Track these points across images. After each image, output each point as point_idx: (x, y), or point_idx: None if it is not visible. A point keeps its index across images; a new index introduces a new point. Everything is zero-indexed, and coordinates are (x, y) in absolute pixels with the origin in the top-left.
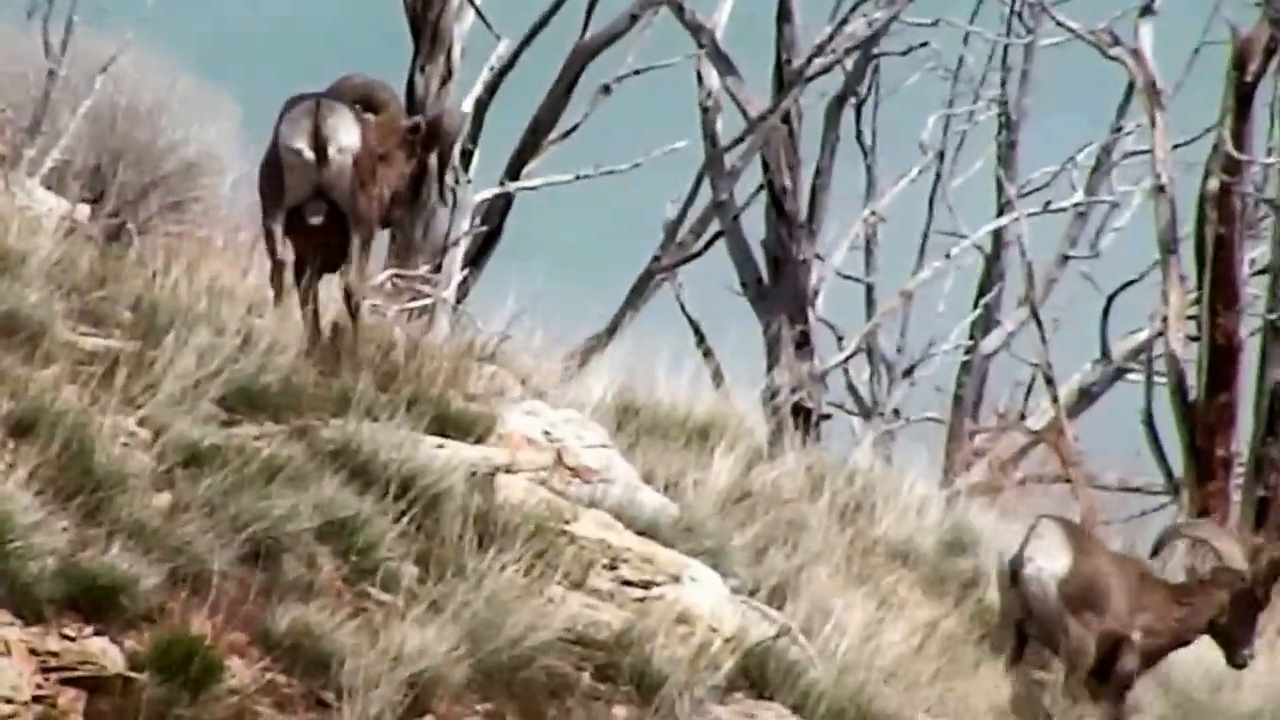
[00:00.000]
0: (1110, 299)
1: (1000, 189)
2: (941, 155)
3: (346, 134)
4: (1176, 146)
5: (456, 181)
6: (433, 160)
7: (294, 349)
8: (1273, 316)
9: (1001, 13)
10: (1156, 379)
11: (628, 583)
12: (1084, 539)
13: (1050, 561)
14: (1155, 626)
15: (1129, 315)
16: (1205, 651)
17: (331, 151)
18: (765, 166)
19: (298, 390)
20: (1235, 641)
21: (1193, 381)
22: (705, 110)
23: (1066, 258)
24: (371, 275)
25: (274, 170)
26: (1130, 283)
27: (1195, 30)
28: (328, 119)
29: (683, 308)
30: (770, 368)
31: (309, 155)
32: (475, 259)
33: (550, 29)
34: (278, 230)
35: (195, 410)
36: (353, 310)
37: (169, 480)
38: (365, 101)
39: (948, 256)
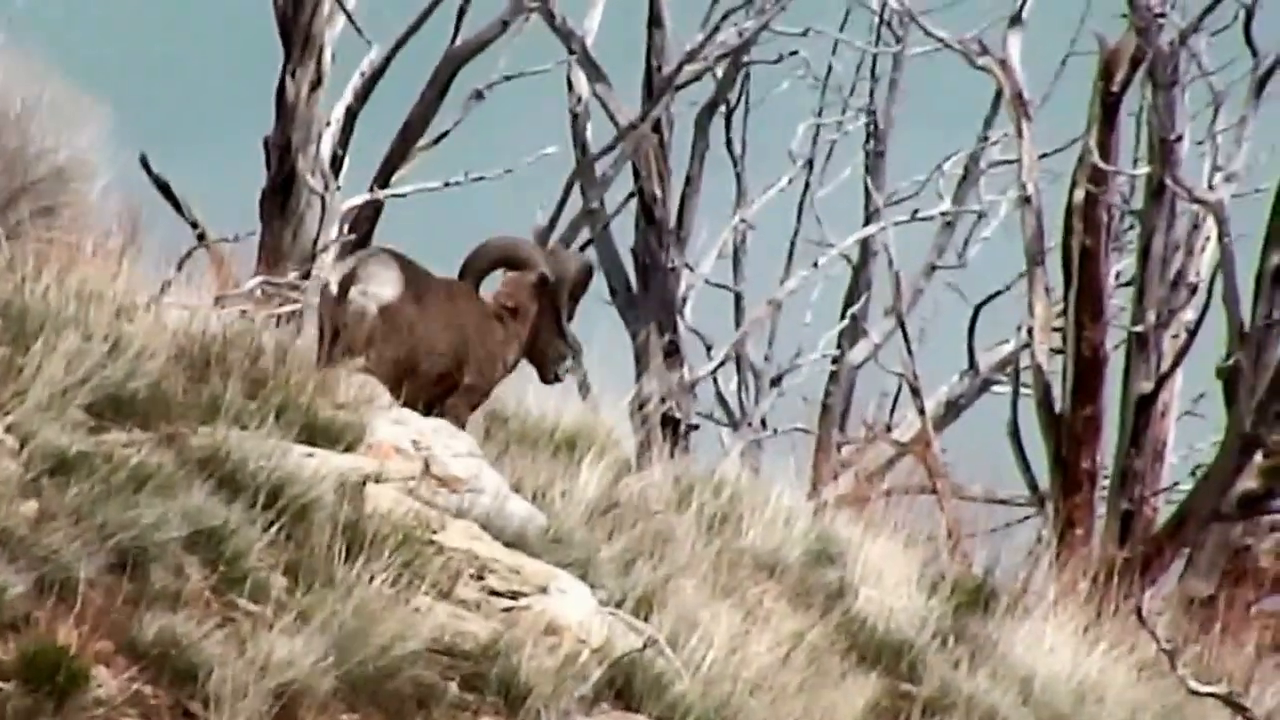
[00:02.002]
0: (977, 310)
1: (868, 198)
2: (810, 164)
3: (379, 285)
4: (1043, 157)
5: (327, 188)
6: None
7: (163, 355)
8: (1138, 329)
9: (871, 22)
10: (1022, 391)
11: (495, 593)
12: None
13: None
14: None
15: (996, 326)
16: (1070, 664)
17: (354, 292)
18: (635, 174)
19: (166, 397)
20: (546, 353)
21: (1058, 393)
22: (575, 117)
23: (933, 267)
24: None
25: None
26: (997, 294)
27: (1063, 41)
28: (368, 264)
29: None
30: (639, 377)
31: (332, 290)
32: None
33: (421, 35)
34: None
35: (63, 417)
36: None
37: (36, 488)
38: (507, 261)
39: (815, 265)
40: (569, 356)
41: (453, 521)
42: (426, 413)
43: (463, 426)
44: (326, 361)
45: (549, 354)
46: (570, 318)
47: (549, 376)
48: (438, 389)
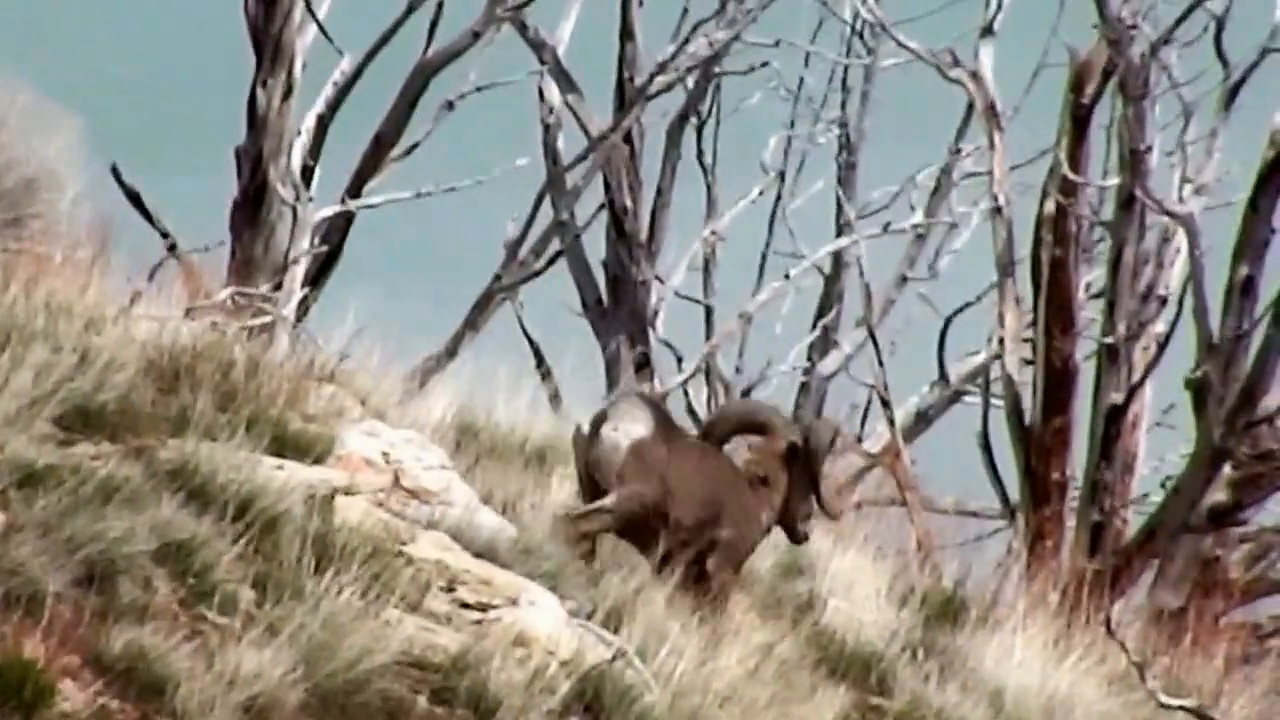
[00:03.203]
0: (948, 321)
1: (839, 210)
2: (782, 176)
3: (631, 423)
4: (1014, 168)
5: (298, 199)
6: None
7: (132, 367)
8: (1108, 340)
9: (842, 33)
10: (993, 402)
11: (465, 605)
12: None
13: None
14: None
15: (966, 338)
16: (1040, 677)
17: (605, 429)
18: (606, 185)
19: (135, 409)
20: (795, 517)
21: (1029, 404)
22: (547, 128)
23: (905, 279)
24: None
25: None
26: (967, 305)
27: (1034, 52)
28: (619, 404)
29: (523, 328)
30: (609, 389)
31: (584, 429)
32: (316, 278)
33: (393, 45)
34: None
35: (31, 429)
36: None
37: (3, 500)
38: (748, 426)
39: (786, 277)
40: (815, 515)
41: (423, 533)
42: (696, 580)
43: (728, 590)
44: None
45: (798, 515)
46: (821, 482)
47: (799, 537)
48: (693, 542)
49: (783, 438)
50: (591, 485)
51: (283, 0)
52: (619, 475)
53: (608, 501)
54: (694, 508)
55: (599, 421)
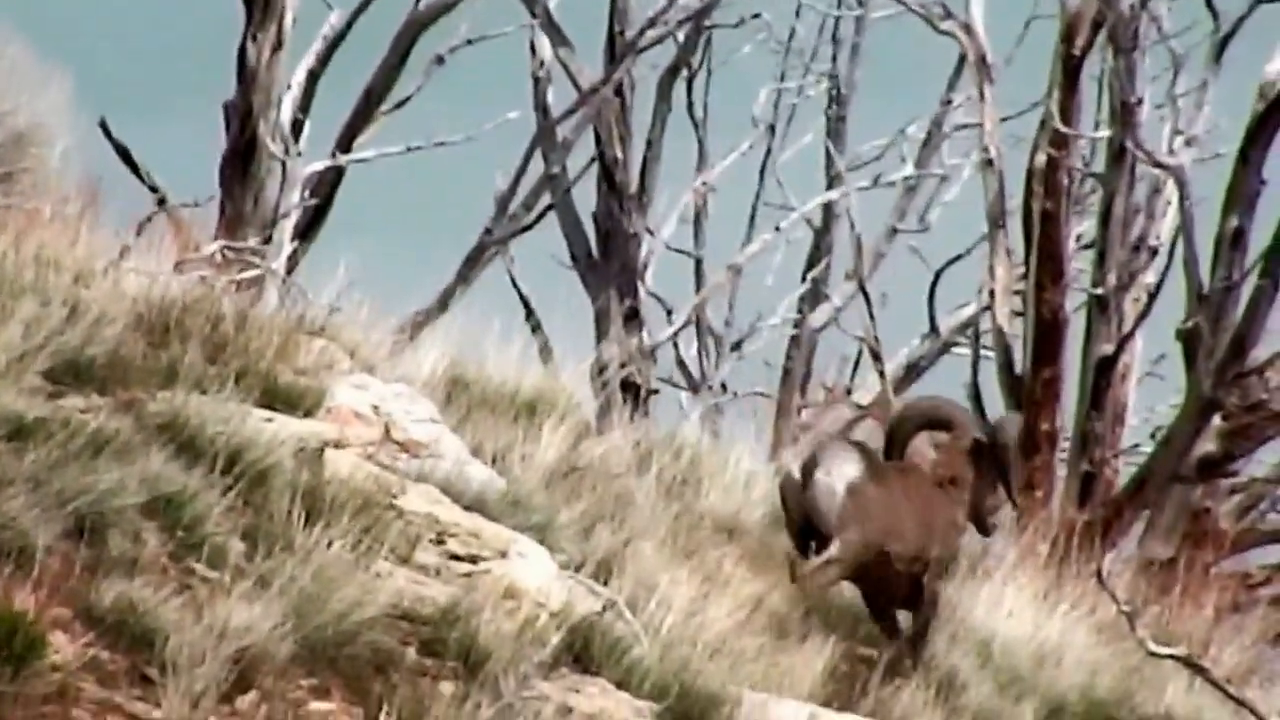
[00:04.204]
0: (938, 273)
1: (829, 162)
2: (772, 128)
3: (841, 465)
4: (1005, 120)
5: (288, 153)
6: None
7: (122, 321)
8: (1098, 292)
9: None
10: (983, 353)
11: (455, 557)
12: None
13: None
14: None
15: (956, 290)
16: (1030, 627)
17: (819, 475)
18: (597, 139)
19: (125, 363)
20: (984, 511)
21: (1019, 356)
22: (537, 81)
23: (895, 231)
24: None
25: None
26: (958, 257)
27: (1025, 4)
28: (826, 448)
29: (513, 281)
30: (599, 342)
31: (795, 476)
32: (305, 231)
33: None
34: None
35: (20, 383)
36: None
37: None
38: (932, 421)
39: (777, 230)
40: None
41: (412, 486)
42: (906, 605)
43: (937, 599)
44: (800, 552)
45: (986, 509)
46: (1014, 479)
47: (988, 530)
48: (907, 573)
49: (968, 434)
50: (806, 530)
51: None
52: (839, 520)
53: (834, 552)
54: (910, 537)
55: (810, 467)
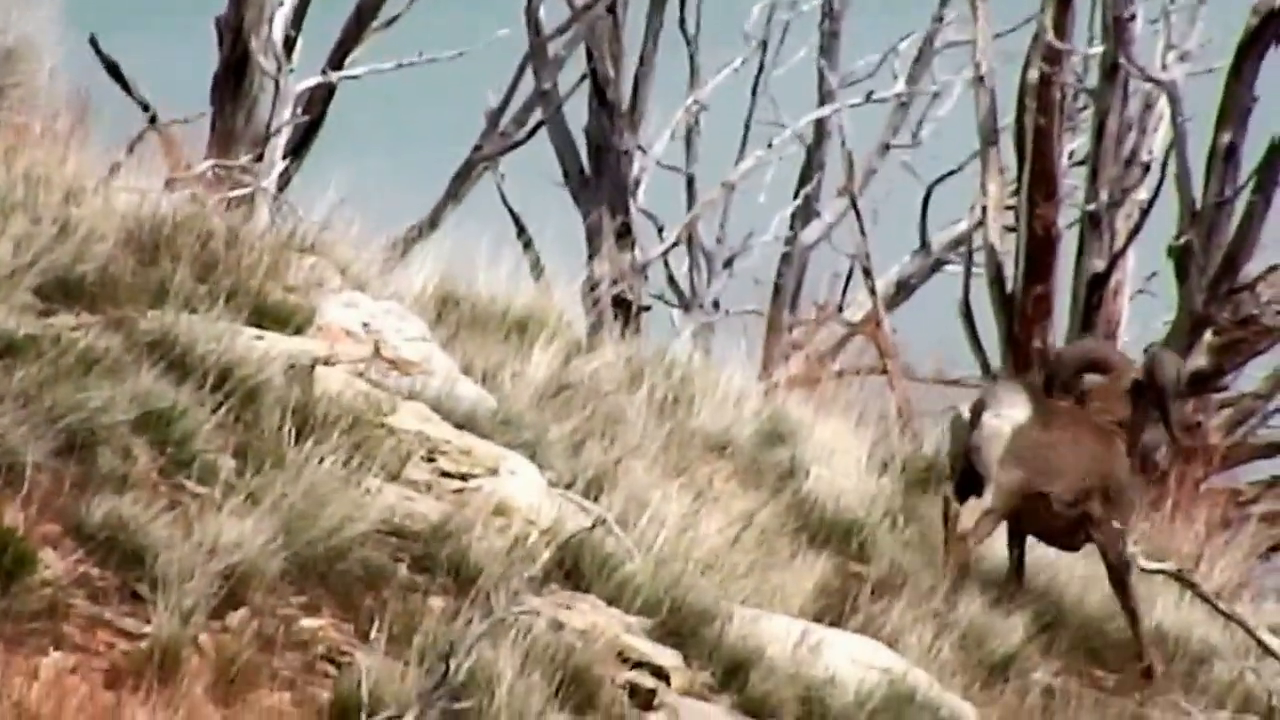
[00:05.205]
0: (929, 190)
1: (822, 79)
2: (764, 45)
3: (1009, 407)
4: (998, 36)
5: (279, 70)
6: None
7: (112, 238)
8: (1090, 208)
9: None
10: (975, 270)
11: (446, 475)
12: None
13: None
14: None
15: (948, 206)
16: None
17: (987, 415)
18: (588, 55)
19: (115, 280)
20: (1147, 450)
21: (1010, 273)
22: None
23: (887, 147)
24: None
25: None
26: (950, 174)
27: None
28: (996, 390)
29: (504, 198)
30: (590, 259)
31: (964, 416)
32: (297, 149)
33: None
34: (952, 498)
35: (10, 300)
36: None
37: None
38: (1090, 365)
39: (769, 146)
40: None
41: (403, 404)
42: (1065, 546)
43: (1118, 543)
44: (958, 498)
45: (1149, 448)
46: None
47: (1152, 469)
48: (1065, 515)
49: (1126, 375)
50: (966, 470)
51: None
52: (999, 464)
53: (988, 501)
54: (1071, 478)
55: (979, 408)
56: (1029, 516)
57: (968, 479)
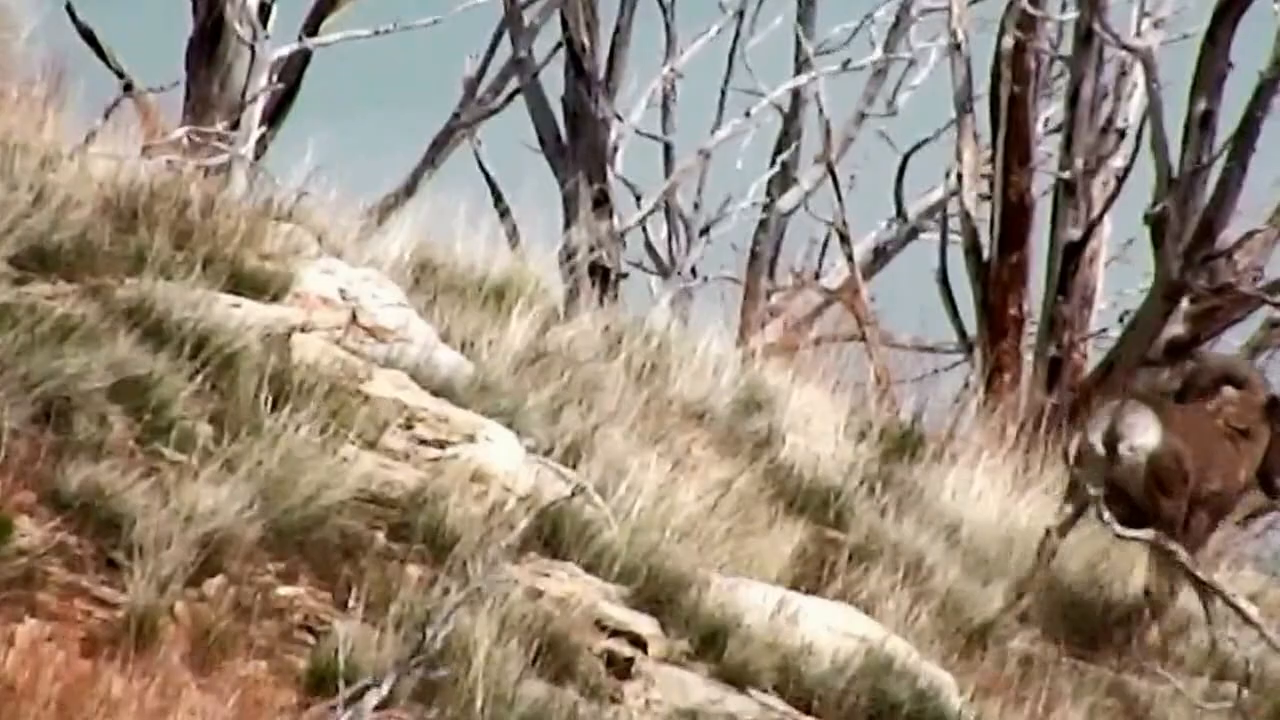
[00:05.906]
0: (906, 157)
1: (798, 47)
2: (741, 13)
3: (1141, 434)
4: (973, 3)
5: (255, 37)
6: None
7: (89, 206)
8: (1066, 175)
9: None
10: (951, 237)
11: (423, 442)
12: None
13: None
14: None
15: (924, 174)
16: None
17: (1122, 449)
18: (564, 22)
19: (92, 248)
20: (1275, 469)
21: (986, 240)
22: None
23: (863, 115)
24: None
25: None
26: (925, 141)
27: None
28: (1126, 418)
29: (481, 165)
30: (567, 226)
31: (1099, 450)
32: (273, 116)
33: None
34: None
35: None
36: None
37: None
38: (1225, 379)
39: (747, 115)
40: None
41: (380, 371)
42: (1160, 528)
43: (1203, 538)
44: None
45: (1277, 468)
46: None
47: (1276, 491)
48: (1174, 509)
49: (1262, 391)
50: (1123, 496)
51: None
52: (1147, 490)
53: (1166, 510)
54: (1194, 475)
55: (1112, 440)
56: (1146, 504)
57: (1121, 500)
